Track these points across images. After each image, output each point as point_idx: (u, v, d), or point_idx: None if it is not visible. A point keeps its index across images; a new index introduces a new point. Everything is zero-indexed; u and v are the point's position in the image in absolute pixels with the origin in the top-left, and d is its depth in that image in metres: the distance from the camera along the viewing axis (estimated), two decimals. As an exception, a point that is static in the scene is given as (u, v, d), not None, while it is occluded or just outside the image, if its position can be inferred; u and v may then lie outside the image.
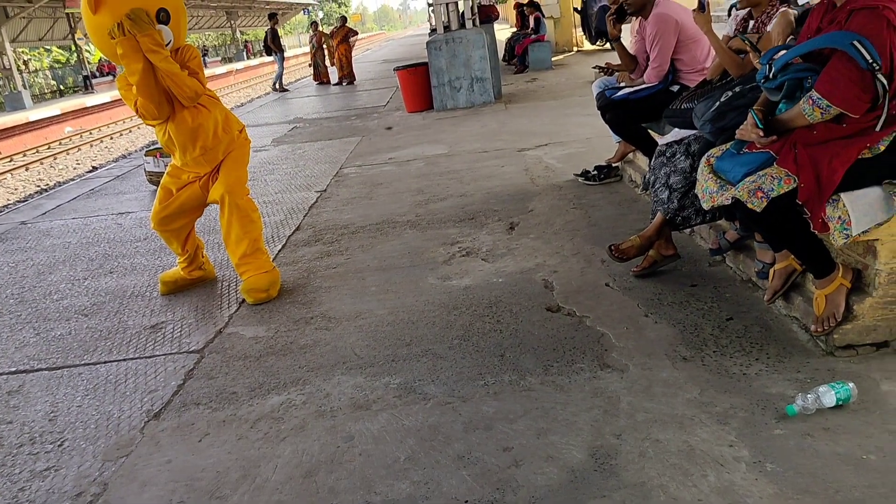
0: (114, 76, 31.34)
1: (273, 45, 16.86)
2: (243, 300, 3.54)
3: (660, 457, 2.01)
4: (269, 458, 2.23)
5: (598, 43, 15.44)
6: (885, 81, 2.13)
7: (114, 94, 24.41)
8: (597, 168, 4.97)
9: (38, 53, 36.49)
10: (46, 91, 29.72)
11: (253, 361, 2.89)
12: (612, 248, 3.28)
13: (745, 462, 1.95)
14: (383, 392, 2.53)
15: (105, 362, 3.03)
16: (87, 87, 27.40)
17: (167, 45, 3.31)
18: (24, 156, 15.84)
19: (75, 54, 30.50)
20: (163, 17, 3.30)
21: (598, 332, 2.79)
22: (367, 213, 4.93)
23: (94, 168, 13.38)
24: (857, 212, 2.28)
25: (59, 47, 35.53)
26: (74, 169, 13.87)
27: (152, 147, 7.16)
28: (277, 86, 17.22)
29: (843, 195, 2.29)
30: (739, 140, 2.49)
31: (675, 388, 2.34)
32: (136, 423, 2.51)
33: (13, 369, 3.06)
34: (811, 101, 2.25)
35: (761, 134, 2.38)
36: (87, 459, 2.33)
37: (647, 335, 2.72)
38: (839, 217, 2.28)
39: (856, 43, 2.11)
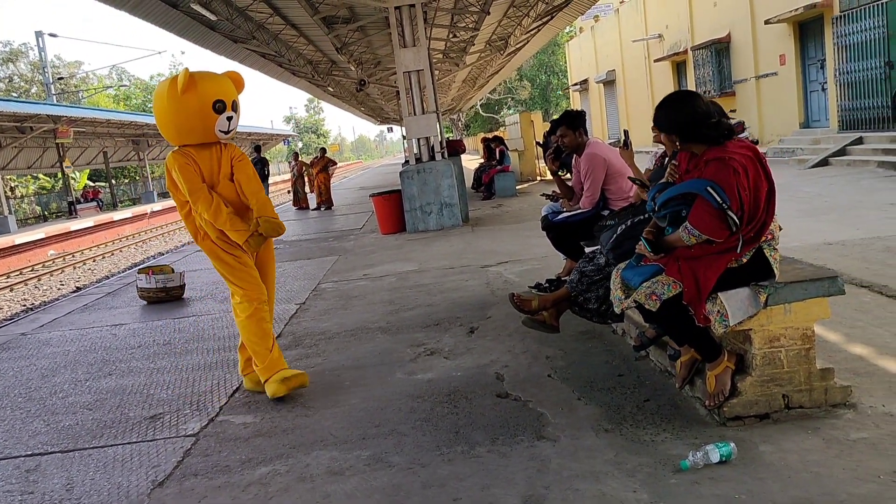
0: (98, 202, 32.30)
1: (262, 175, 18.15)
2: (233, 392, 4.01)
3: (578, 501, 2.50)
4: (258, 513, 2.66)
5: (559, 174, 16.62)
6: (734, 217, 2.79)
7: (97, 218, 25.21)
8: (548, 281, 5.62)
9: (25, 180, 37.56)
10: (31, 216, 30.48)
11: (243, 442, 3.34)
12: (515, 296, 3.90)
13: (643, 503, 2.44)
14: (355, 461, 3.00)
15: (112, 445, 3.45)
16: (71, 212, 28.19)
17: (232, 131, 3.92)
18: (8, 277, 16.25)
19: (61, 181, 31.54)
20: (237, 105, 3.95)
21: (538, 412, 3.31)
22: (343, 322, 5.48)
23: (79, 288, 13.82)
24: (732, 307, 2.91)
25: (46, 175, 36.68)
26: (59, 289, 14.29)
27: (144, 265, 7.73)
28: None
29: (719, 294, 2.92)
30: (638, 254, 3.13)
31: (596, 452, 2.85)
32: (144, 490, 2.93)
33: (28, 453, 3.46)
34: (687, 230, 2.90)
35: (651, 253, 3.03)
36: (101, 520, 2.73)
37: (578, 414, 3.25)
38: (718, 311, 2.91)
39: (709, 189, 2.80)
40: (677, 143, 2.95)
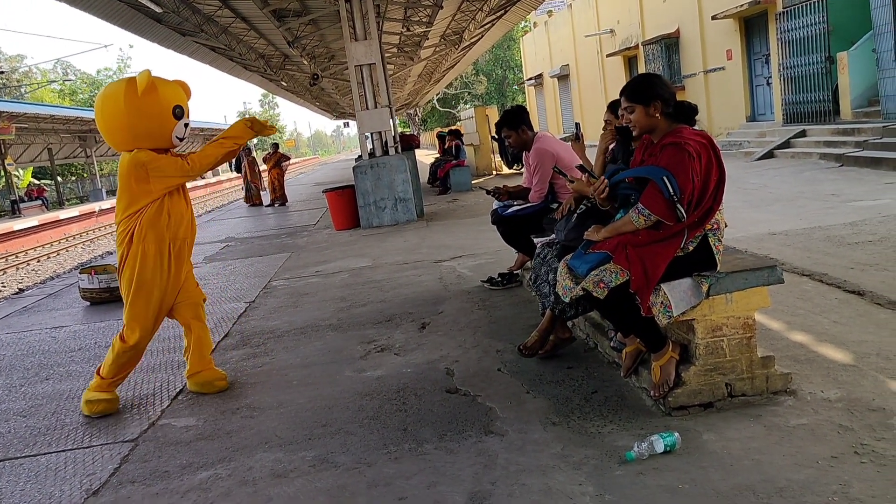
0: (43, 201, 31.30)
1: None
2: (176, 394, 3.90)
3: (524, 496, 2.48)
4: (197, 518, 2.58)
5: (514, 167, 16.69)
6: (682, 210, 2.81)
7: (42, 217, 24.40)
8: (500, 275, 5.62)
9: (-36, 178, 36.17)
10: (-30, 215, 29.34)
11: (184, 446, 3.24)
12: (521, 347, 3.85)
13: (589, 495, 2.44)
14: (300, 463, 2.93)
15: (45, 454, 3.31)
16: (14, 211, 27.25)
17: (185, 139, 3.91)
18: (-54, 279, 15.60)
19: (3, 179, 30.46)
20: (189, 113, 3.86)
21: (487, 406, 3.29)
22: (293, 320, 5.39)
23: (21, 290, 13.34)
24: (675, 298, 2.93)
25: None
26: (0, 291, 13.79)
27: (87, 265, 7.49)
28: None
29: (663, 285, 2.93)
30: (587, 242, 3.13)
31: (543, 445, 2.84)
32: (77, 499, 2.82)
33: (-45, 464, 3.30)
34: (637, 211, 2.92)
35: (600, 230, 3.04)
36: (31, 531, 2.62)
37: (526, 407, 3.23)
38: (661, 302, 2.92)
39: (665, 178, 2.82)
40: (657, 115, 2.94)
